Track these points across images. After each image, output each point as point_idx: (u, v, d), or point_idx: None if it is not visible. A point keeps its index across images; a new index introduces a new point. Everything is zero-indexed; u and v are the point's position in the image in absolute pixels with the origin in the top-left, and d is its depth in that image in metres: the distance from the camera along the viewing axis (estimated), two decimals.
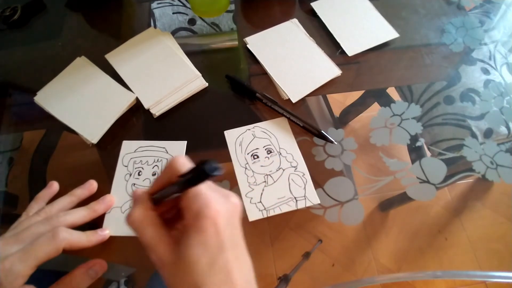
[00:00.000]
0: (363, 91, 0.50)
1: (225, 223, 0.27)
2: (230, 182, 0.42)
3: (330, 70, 0.49)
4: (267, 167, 0.42)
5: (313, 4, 0.55)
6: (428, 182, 0.42)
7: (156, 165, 0.43)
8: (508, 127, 0.45)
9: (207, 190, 0.27)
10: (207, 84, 0.49)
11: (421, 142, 0.44)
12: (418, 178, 0.42)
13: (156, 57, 0.51)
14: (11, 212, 0.42)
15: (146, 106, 0.47)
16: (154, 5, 0.59)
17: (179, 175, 0.27)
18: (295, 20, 0.54)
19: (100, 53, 0.51)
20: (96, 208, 0.38)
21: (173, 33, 0.55)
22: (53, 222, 0.34)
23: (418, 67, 0.51)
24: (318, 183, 0.41)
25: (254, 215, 0.39)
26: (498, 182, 0.41)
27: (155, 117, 0.46)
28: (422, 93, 0.49)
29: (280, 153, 0.43)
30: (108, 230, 0.37)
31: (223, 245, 0.26)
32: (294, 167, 0.42)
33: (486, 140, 0.45)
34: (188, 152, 0.44)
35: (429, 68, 0.50)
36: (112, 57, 0.51)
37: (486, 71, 0.50)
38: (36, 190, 0.40)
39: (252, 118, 0.46)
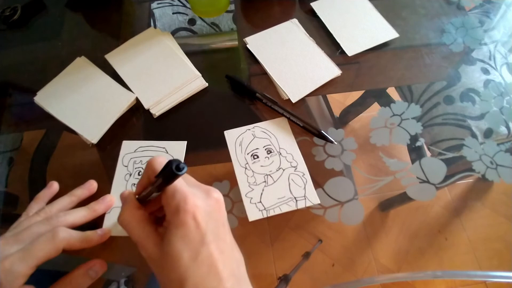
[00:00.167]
0: (363, 91, 0.50)
1: (205, 217, 0.27)
2: (230, 182, 0.42)
3: (330, 70, 0.49)
4: (267, 167, 0.42)
5: (313, 4, 0.55)
6: (428, 182, 0.42)
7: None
8: (508, 127, 0.45)
9: (185, 187, 0.28)
10: (207, 84, 0.49)
11: (421, 142, 0.44)
12: (418, 178, 0.42)
13: (156, 57, 0.51)
14: (11, 212, 0.42)
15: (146, 106, 0.47)
16: (154, 5, 0.59)
17: (155, 175, 0.27)
18: (295, 20, 0.54)
19: (100, 53, 0.51)
20: (96, 208, 0.38)
21: (173, 33, 0.55)
22: (53, 222, 0.34)
23: (418, 67, 0.51)
24: (318, 183, 0.41)
25: (254, 215, 0.39)
26: (498, 182, 0.41)
27: (155, 117, 0.46)
28: (422, 93, 0.49)
29: (280, 153, 0.43)
30: (108, 230, 0.37)
31: (204, 238, 0.26)
32: (294, 167, 0.42)
33: (486, 140, 0.45)
34: (188, 152, 0.44)
35: (429, 68, 0.50)
36: (112, 57, 0.51)
37: (486, 71, 0.50)
38: (36, 190, 0.40)
39: (252, 118, 0.46)
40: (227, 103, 0.49)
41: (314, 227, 0.40)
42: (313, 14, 0.55)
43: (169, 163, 0.25)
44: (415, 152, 0.44)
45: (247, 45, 0.51)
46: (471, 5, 0.57)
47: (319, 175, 0.42)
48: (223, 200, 0.30)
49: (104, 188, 0.41)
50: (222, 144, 0.44)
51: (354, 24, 0.53)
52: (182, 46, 0.52)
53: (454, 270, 0.38)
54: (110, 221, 0.39)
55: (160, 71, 0.49)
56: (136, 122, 0.47)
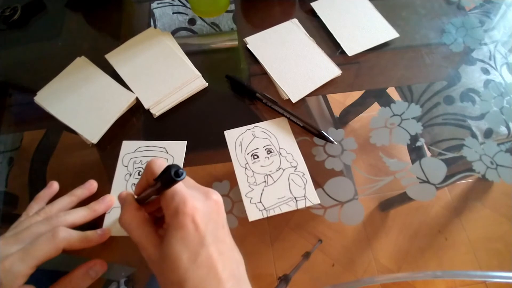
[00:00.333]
0: (363, 91, 0.50)
1: (204, 219, 0.27)
2: (230, 182, 0.42)
3: (330, 70, 0.49)
4: (267, 167, 0.42)
5: (313, 4, 0.55)
6: (428, 182, 0.42)
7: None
8: (508, 127, 0.45)
9: (184, 189, 0.28)
10: (207, 84, 0.49)
11: (421, 142, 0.44)
12: (418, 178, 0.42)
13: (156, 57, 0.51)
14: (11, 212, 0.42)
15: (146, 106, 0.47)
16: (154, 5, 0.59)
17: (154, 178, 0.27)
18: (295, 20, 0.54)
19: (100, 53, 0.51)
20: (96, 208, 0.38)
21: (173, 33, 0.55)
22: (53, 222, 0.34)
23: (418, 67, 0.51)
24: (318, 183, 0.41)
25: (254, 215, 0.39)
26: (498, 182, 0.41)
27: (155, 117, 0.46)
28: (422, 93, 0.49)
29: (280, 153, 0.43)
30: (108, 230, 0.37)
31: (203, 240, 0.26)
32: (294, 167, 0.42)
33: (486, 140, 0.45)
34: (188, 152, 0.44)
35: (429, 68, 0.50)
36: (112, 57, 0.51)
37: (486, 71, 0.50)
38: (36, 190, 0.40)
39: (252, 118, 0.46)
40: (227, 103, 0.49)
41: (314, 227, 0.40)
42: (313, 14, 0.55)
43: (168, 168, 0.25)
44: (415, 152, 0.44)
45: (247, 45, 0.51)
46: (471, 5, 0.57)
47: (319, 175, 0.42)
48: (222, 202, 0.30)
49: (104, 188, 0.41)
50: (222, 144, 0.44)
51: (354, 24, 0.53)
52: (182, 46, 0.52)
53: (454, 270, 0.38)
54: (110, 221, 0.39)
55: (160, 71, 0.49)
56: (136, 122, 0.47)
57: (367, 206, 0.40)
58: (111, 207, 0.40)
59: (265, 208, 0.39)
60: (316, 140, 0.44)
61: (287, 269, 0.38)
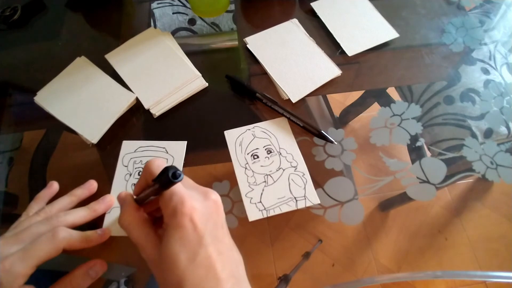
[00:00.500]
0: (363, 91, 0.50)
1: (203, 219, 0.27)
2: (230, 182, 0.42)
3: (330, 70, 0.49)
4: (267, 167, 0.42)
5: (313, 4, 0.55)
6: (428, 182, 0.42)
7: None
8: (508, 127, 0.45)
9: (182, 189, 0.28)
10: (207, 84, 0.49)
11: (421, 142, 0.44)
12: (418, 178, 0.42)
13: (156, 57, 0.51)
14: (11, 212, 0.42)
15: (146, 106, 0.47)
16: (154, 5, 0.59)
17: (152, 179, 0.27)
18: (295, 20, 0.54)
19: (100, 53, 0.51)
20: (96, 208, 0.38)
21: (173, 33, 0.55)
22: (53, 222, 0.34)
23: (418, 67, 0.51)
24: (318, 183, 0.41)
25: (254, 215, 0.39)
26: (498, 182, 0.41)
27: (155, 117, 0.46)
28: (422, 93, 0.49)
29: (280, 153, 0.43)
30: (108, 230, 0.37)
31: (202, 240, 0.26)
32: (294, 167, 0.42)
33: (486, 140, 0.45)
34: (188, 152, 0.44)
35: (429, 68, 0.50)
36: (112, 57, 0.51)
37: (486, 71, 0.50)
38: (36, 190, 0.40)
39: (252, 118, 0.46)
40: (227, 103, 0.49)
41: (314, 227, 0.40)
42: (313, 14, 0.55)
43: (166, 170, 0.25)
44: (415, 152, 0.44)
45: (247, 45, 0.51)
46: (471, 5, 0.57)
47: (319, 175, 0.42)
48: (221, 202, 0.30)
49: (104, 188, 0.41)
50: (222, 144, 0.44)
51: (354, 24, 0.53)
52: (182, 46, 0.52)
53: (454, 270, 0.38)
54: (110, 221, 0.39)
55: (160, 71, 0.49)
56: (136, 122, 0.47)
57: (367, 206, 0.40)
58: (111, 207, 0.40)
59: (265, 208, 0.39)
60: (316, 140, 0.44)
61: (287, 269, 0.38)
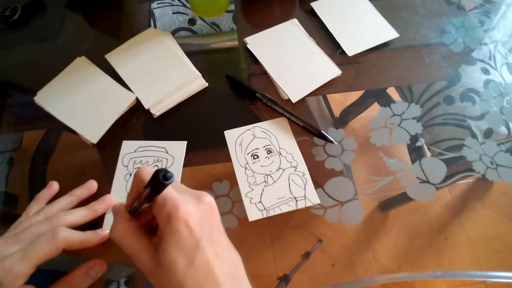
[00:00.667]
0: (363, 91, 0.50)
1: (198, 223, 0.27)
2: (230, 182, 0.42)
3: (330, 70, 0.49)
4: (267, 167, 0.42)
5: (313, 4, 0.55)
6: (428, 182, 0.42)
7: (156, 165, 0.43)
8: (508, 127, 0.45)
9: (174, 194, 0.27)
10: (207, 84, 0.49)
11: (421, 142, 0.44)
12: (418, 178, 0.42)
13: (156, 57, 0.51)
14: (11, 212, 0.42)
15: (146, 106, 0.47)
16: (154, 5, 0.59)
17: (144, 186, 0.27)
18: (295, 20, 0.54)
19: (100, 53, 0.51)
20: (96, 208, 0.38)
21: (173, 33, 0.55)
22: (53, 222, 0.34)
23: (418, 67, 0.51)
24: (318, 183, 0.41)
25: (254, 215, 0.39)
26: (498, 182, 0.41)
27: (155, 117, 0.46)
28: (422, 93, 0.49)
29: (280, 153, 0.43)
30: (108, 230, 0.37)
31: (199, 243, 0.26)
32: (294, 167, 0.42)
33: (486, 140, 0.45)
34: (188, 152, 0.44)
35: (429, 68, 0.50)
36: (112, 57, 0.51)
37: (486, 71, 0.50)
38: (36, 190, 0.40)
39: (252, 118, 0.46)
40: (227, 103, 0.49)
41: (314, 227, 0.40)
42: (313, 14, 0.55)
43: (156, 172, 0.25)
44: (415, 152, 0.44)
45: (247, 45, 0.51)
46: (471, 5, 0.57)
47: (319, 175, 0.42)
48: (215, 204, 0.29)
49: (104, 188, 0.41)
50: (222, 144, 0.44)
51: (354, 24, 0.53)
52: (182, 46, 0.52)
53: (454, 270, 0.38)
54: (110, 221, 0.39)
55: (160, 71, 0.49)
56: (136, 122, 0.47)
57: (367, 206, 0.40)
58: (111, 207, 0.40)
59: (265, 208, 0.39)
60: (316, 140, 0.44)
61: (287, 269, 0.38)
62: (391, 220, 0.41)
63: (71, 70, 0.50)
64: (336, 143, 0.44)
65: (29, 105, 0.48)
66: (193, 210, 0.27)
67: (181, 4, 0.59)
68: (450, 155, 0.44)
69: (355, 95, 0.50)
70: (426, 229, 0.40)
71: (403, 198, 0.41)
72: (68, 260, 0.36)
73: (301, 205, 0.40)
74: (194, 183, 0.43)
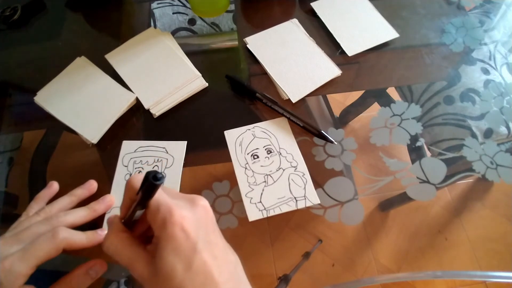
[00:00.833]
0: (363, 91, 0.50)
1: (194, 226, 0.27)
2: (230, 182, 0.42)
3: (330, 70, 0.49)
4: (267, 167, 0.42)
5: (313, 4, 0.55)
6: (428, 182, 0.42)
7: (156, 165, 0.43)
8: (508, 127, 0.45)
9: (168, 200, 0.27)
10: (207, 84, 0.49)
11: (421, 142, 0.44)
12: (418, 178, 0.42)
13: (156, 57, 0.51)
14: (11, 212, 0.42)
15: (146, 106, 0.47)
16: (154, 5, 0.59)
17: (136, 192, 0.27)
18: (295, 20, 0.54)
19: (100, 53, 0.51)
20: (96, 208, 0.38)
21: (173, 33, 0.55)
22: (53, 222, 0.34)
23: (418, 67, 0.51)
24: (318, 183, 0.41)
25: (254, 215, 0.39)
26: (498, 182, 0.41)
27: (155, 117, 0.46)
28: (422, 93, 0.49)
29: (280, 153, 0.43)
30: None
31: (196, 247, 0.26)
32: (294, 167, 0.42)
33: (486, 140, 0.45)
34: (188, 152, 0.44)
35: (429, 68, 0.50)
36: (112, 57, 0.51)
37: (486, 71, 0.50)
38: (36, 190, 0.40)
39: (252, 118, 0.46)
40: (227, 103, 0.49)
41: (314, 227, 0.40)
42: (313, 14, 0.55)
43: (147, 175, 0.25)
44: (415, 152, 0.44)
45: (247, 45, 0.51)
46: (471, 5, 0.57)
47: (319, 175, 0.42)
48: (209, 206, 0.29)
49: (104, 188, 0.41)
50: (222, 144, 0.44)
51: (354, 24, 0.53)
52: (182, 46, 0.52)
53: (454, 270, 0.38)
54: None
55: (160, 71, 0.49)
56: (136, 122, 0.47)
57: (367, 206, 0.40)
58: (111, 207, 0.40)
59: (265, 208, 0.39)
60: (316, 140, 0.44)
61: (287, 269, 0.38)
62: (391, 220, 0.41)
63: (71, 70, 0.50)
64: (336, 143, 0.44)
65: (29, 105, 0.48)
66: (187, 214, 0.27)
67: (181, 4, 0.59)
68: (450, 155, 0.44)
69: (355, 95, 0.50)
70: (426, 229, 0.40)
71: (403, 198, 0.41)
72: (68, 260, 0.36)
73: (301, 205, 0.40)
74: (194, 183, 0.43)
